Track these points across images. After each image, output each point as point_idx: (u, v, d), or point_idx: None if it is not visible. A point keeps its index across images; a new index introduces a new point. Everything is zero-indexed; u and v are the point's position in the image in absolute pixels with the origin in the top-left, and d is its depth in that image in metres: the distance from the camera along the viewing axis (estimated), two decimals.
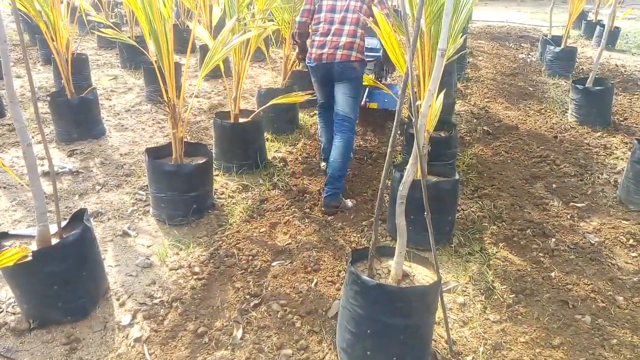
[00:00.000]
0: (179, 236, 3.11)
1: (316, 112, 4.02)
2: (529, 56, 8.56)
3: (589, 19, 10.93)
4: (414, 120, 2.11)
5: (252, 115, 4.07)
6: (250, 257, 2.84)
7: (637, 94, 6.35)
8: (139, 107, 5.39)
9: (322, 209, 3.38)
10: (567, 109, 5.68)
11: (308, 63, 3.59)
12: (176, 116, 3.15)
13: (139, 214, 3.37)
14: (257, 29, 3.74)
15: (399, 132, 4.80)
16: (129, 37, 5.17)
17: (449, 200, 3.04)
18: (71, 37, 5.54)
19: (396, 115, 2.02)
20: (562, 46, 7.27)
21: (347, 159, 3.45)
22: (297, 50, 3.92)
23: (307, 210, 3.38)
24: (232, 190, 3.68)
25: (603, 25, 9.56)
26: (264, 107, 4.05)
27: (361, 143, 4.57)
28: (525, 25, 11.71)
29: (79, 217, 2.49)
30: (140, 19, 2.98)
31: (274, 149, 4.48)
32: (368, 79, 3.62)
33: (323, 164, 3.97)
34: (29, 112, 5.05)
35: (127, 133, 4.69)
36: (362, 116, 4.62)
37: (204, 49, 6.19)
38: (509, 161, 4.24)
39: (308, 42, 3.63)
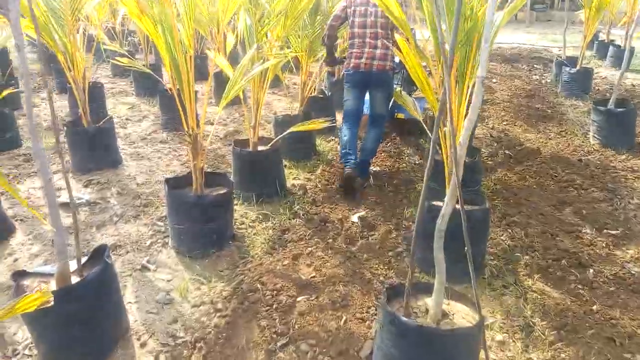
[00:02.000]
0: (200, 269, 3.01)
1: (341, 125, 4.29)
2: (543, 77, 8.49)
3: (600, 39, 10.89)
4: (452, 150, 2.02)
5: (272, 142, 4.00)
6: (275, 291, 2.73)
7: None
8: (154, 136, 5.35)
9: (344, 180, 3.89)
10: (588, 131, 5.57)
11: (346, 71, 4.07)
12: (197, 146, 3.08)
13: (157, 246, 3.28)
14: (276, 57, 3.70)
15: (420, 159, 4.72)
16: (144, 65, 5.17)
17: (480, 229, 2.92)
18: (87, 66, 5.57)
19: (429, 159, 1.92)
20: (578, 67, 7.20)
21: (376, 147, 4.19)
22: (325, 53, 4.32)
23: (330, 240, 3.27)
24: (252, 220, 3.59)
25: (616, 45, 9.51)
26: (283, 134, 3.98)
27: (379, 169, 4.47)
28: (536, 46, 11.68)
29: (99, 253, 2.40)
30: (161, 48, 2.94)
31: (293, 176, 4.40)
32: (397, 93, 3.57)
33: (347, 169, 3.97)
34: (45, 142, 5.02)
35: (143, 162, 4.64)
36: (392, 127, 5.10)
37: (218, 77, 6.19)
38: (534, 186, 4.11)
39: (343, 52, 4.29)
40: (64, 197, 3.77)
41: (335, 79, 6.40)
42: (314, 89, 5.59)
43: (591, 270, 2.94)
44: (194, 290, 2.81)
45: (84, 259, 2.37)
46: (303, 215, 3.60)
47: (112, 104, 6.44)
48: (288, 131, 3.94)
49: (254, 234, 3.40)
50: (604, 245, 3.25)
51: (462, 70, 2.80)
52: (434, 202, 3.16)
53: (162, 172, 4.42)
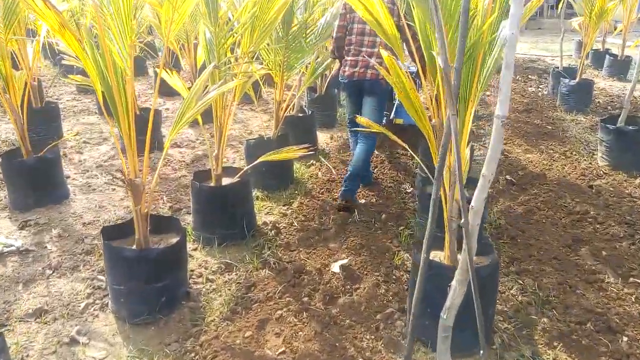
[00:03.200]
0: (143, 342, 2.42)
1: (348, 133, 4.41)
2: (539, 89, 8.02)
3: (595, 47, 10.49)
4: (463, 219, 1.47)
5: (239, 174, 3.42)
6: None
7: None
8: (112, 162, 4.75)
9: (338, 201, 3.77)
10: (594, 150, 5.07)
11: (341, 80, 3.95)
12: (139, 190, 2.50)
13: (94, 310, 2.68)
14: (242, 75, 3.14)
15: (410, 187, 4.17)
16: None
17: (488, 289, 2.36)
18: (41, 84, 4.97)
19: (431, 213, 1.37)
20: (577, 79, 6.73)
21: (368, 160, 3.96)
22: (337, 63, 4.24)
23: (306, 298, 2.70)
24: (213, 271, 3.00)
25: (613, 55, 9.09)
26: (252, 165, 3.42)
27: (365, 200, 3.91)
28: (528, 55, 11.25)
29: None
30: (90, 71, 2.36)
31: (265, 209, 3.83)
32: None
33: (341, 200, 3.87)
34: None
35: (93, 196, 4.03)
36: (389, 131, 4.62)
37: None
38: (543, 221, 3.58)
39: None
40: None
41: (317, 94, 5.85)
42: (292, 108, 5.04)
43: (625, 339, 2.39)
44: None
45: None
46: (274, 264, 3.02)
47: (70, 125, 5.81)
48: (257, 161, 3.38)
49: (213, 290, 2.81)
50: (634, 299, 2.71)
51: (465, 93, 2.26)
52: (432, 253, 2.60)
53: (114, 208, 3.82)
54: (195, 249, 3.26)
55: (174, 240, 2.70)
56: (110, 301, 2.65)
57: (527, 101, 7.04)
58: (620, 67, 8.82)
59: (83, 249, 3.24)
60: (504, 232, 3.40)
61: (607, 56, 9.11)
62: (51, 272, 3.00)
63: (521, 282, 2.83)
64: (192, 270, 2.98)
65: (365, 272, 2.93)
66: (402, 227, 3.49)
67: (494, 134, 1.57)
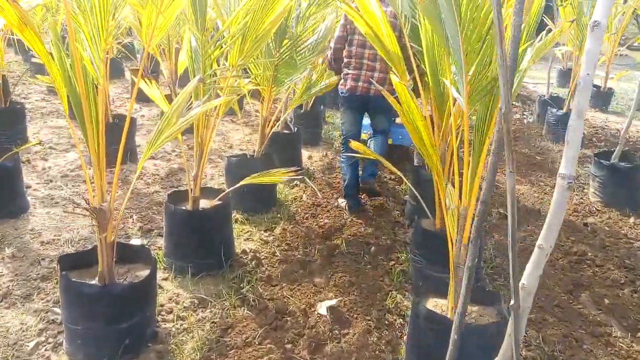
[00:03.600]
0: None
1: (341, 153, 4.14)
2: (524, 116, 7.96)
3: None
4: (513, 301, 1.23)
5: (219, 197, 3.13)
6: None
7: None
8: (79, 172, 4.38)
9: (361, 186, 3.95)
10: (585, 184, 4.94)
11: (342, 93, 3.81)
12: (105, 217, 2.18)
13: (46, 349, 2.33)
14: (229, 91, 2.86)
15: (400, 216, 3.93)
16: None
17: (496, 346, 2.13)
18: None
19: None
20: (565, 109, 6.66)
21: (384, 150, 3.91)
22: (334, 74, 4.04)
23: (289, 345, 2.40)
24: (185, 307, 2.68)
25: (596, 86, 9.11)
26: (233, 187, 3.12)
27: (354, 229, 3.65)
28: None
29: None
30: (54, 75, 2.04)
31: (245, 235, 3.52)
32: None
33: (342, 200, 4.09)
34: None
35: (56, 210, 3.66)
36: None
37: (171, 98, 5.28)
38: None
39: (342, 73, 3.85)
40: None
41: (303, 110, 5.60)
42: (277, 125, 4.76)
43: None
44: None
45: None
46: (254, 301, 2.72)
47: (37, 128, 5.41)
48: (240, 184, 3.08)
49: (184, 331, 2.50)
50: None
51: (482, 127, 2.04)
52: (432, 301, 2.36)
53: (78, 225, 3.46)
54: (165, 279, 2.94)
55: (143, 273, 2.39)
56: (65, 341, 2.31)
57: (513, 129, 6.93)
58: (602, 99, 8.84)
59: (38, 274, 2.88)
60: (501, 273, 3.19)
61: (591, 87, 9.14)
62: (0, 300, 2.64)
63: (524, 333, 2.60)
64: (161, 305, 2.66)
65: (354, 316, 2.65)
66: (393, 262, 3.24)
67: (556, 197, 1.35)
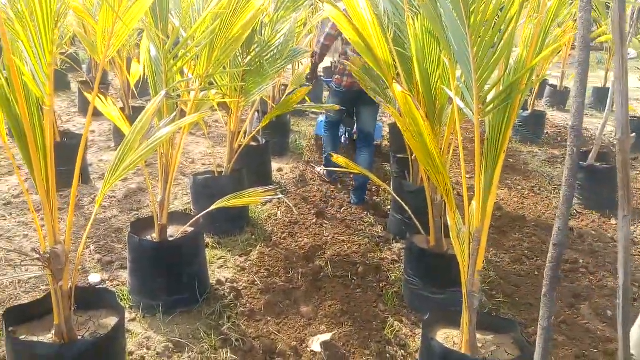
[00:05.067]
0: None
1: (324, 132, 4.46)
2: None
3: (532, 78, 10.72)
4: None
5: (187, 223, 2.79)
6: None
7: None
8: (24, 199, 3.91)
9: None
10: (559, 186, 4.88)
11: (337, 89, 4.03)
12: (61, 261, 1.82)
13: None
14: (196, 105, 2.54)
15: (384, 231, 3.70)
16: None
17: None
18: None
19: None
20: (530, 110, 6.66)
21: (371, 167, 4.18)
22: (310, 70, 4.23)
23: None
24: (158, 353, 2.34)
25: (552, 85, 9.25)
26: (202, 213, 2.79)
27: (336, 248, 3.39)
28: None
29: None
30: None
31: (218, 262, 3.19)
32: None
33: (320, 168, 4.56)
34: None
35: None
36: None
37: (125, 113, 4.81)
38: (535, 272, 3.22)
39: (335, 72, 4.10)
40: None
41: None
42: (243, 136, 4.45)
43: None
44: None
45: None
46: (237, 341, 2.40)
47: None
48: (211, 208, 2.75)
49: None
50: None
51: (496, 143, 1.82)
52: (443, 332, 2.13)
53: (26, 265, 3.03)
54: (133, 319, 2.57)
55: (108, 322, 2.04)
56: None
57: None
58: (559, 98, 8.97)
59: None
60: (497, 288, 3.00)
61: (548, 87, 9.26)
62: None
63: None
64: (130, 354, 2.30)
65: (352, 350, 2.38)
66: (383, 283, 2.99)
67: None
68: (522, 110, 6.68)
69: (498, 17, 1.71)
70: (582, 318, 2.78)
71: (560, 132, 7.25)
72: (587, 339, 2.58)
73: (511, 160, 5.62)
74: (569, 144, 1.26)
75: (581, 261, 3.39)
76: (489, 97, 1.82)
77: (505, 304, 2.85)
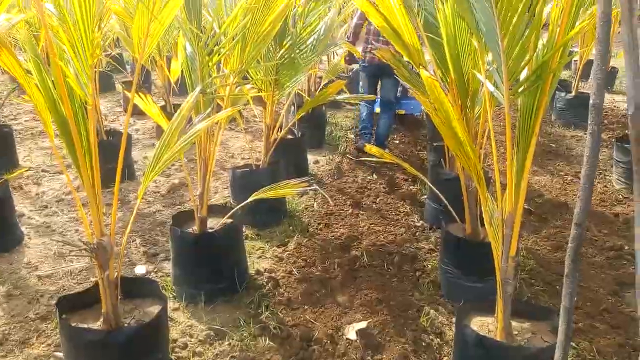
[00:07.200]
0: None
1: (360, 105, 5.19)
2: None
3: (576, 58, 10.31)
4: None
5: (226, 215, 2.88)
6: None
7: None
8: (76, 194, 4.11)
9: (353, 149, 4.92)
10: (604, 171, 4.72)
11: (362, 64, 4.78)
12: (106, 255, 1.93)
13: None
14: (231, 99, 2.62)
15: (420, 220, 3.69)
16: None
17: None
18: None
19: None
20: (574, 92, 6.43)
21: (388, 132, 4.97)
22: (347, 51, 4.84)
23: None
24: (200, 341, 2.44)
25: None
26: (241, 205, 2.87)
27: (372, 237, 3.41)
28: None
29: None
30: (37, 100, 1.80)
31: (257, 253, 3.28)
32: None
33: (362, 141, 4.81)
34: None
35: (53, 238, 3.41)
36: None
37: (166, 110, 4.99)
38: None
39: (360, 49, 4.80)
40: None
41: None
42: (279, 130, 4.52)
43: None
44: None
45: None
46: (275, 329, 2.48)
47: (27, 151, 5.14)
48: (249, 200, 2.83)
49: None
50: None
51: (527, 125, 1.80)
52: (477, 320, 2.12)
53: (76, 257, 3.21)
54: (176, 309, 2.69)
55: (153, 309, 2.14)
56: None
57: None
58: (606, 78, 8.60)
59: (37, 313, 2.63)
60: (537, 277, 2.95)
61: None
62: None
63: (575, 345, 2.37)
64: (174, 341, 2.41)
65: (387, 338, 2.41)
66: (419, 272, 3.00)
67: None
68: (565, 93, 6.46)
69: None
70: (626, 306, 2.70)
71: (606, 114, 6.95)
72: (632, 327, 2.51)
73: (553, 145, 5.46)
74: (589, 122, 1.24)
75: (626, 248, 3.28)
76: (519, 79, 1.80)
77: (545, 292, 2.81)
